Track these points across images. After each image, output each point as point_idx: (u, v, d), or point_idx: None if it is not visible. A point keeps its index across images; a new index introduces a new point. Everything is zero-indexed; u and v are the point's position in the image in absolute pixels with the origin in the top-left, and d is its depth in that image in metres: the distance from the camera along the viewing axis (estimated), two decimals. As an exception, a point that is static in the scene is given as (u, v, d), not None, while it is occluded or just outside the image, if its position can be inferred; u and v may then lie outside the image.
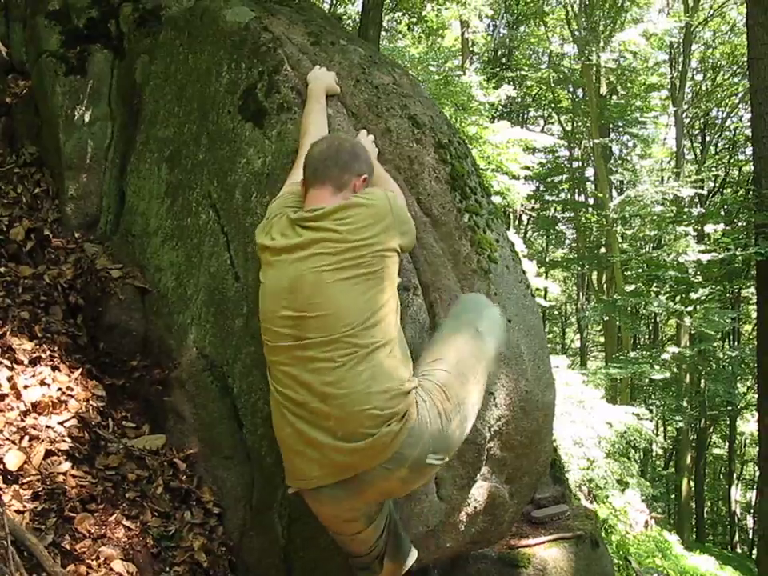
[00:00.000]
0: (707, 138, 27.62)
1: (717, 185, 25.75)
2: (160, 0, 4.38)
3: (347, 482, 2.48)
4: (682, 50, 25.05)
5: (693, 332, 21.01)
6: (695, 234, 20.80)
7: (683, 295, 18.97)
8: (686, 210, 21.77)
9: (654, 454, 27.94)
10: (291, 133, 3.25)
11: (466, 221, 3.37)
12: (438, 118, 3.64)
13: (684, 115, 25.66)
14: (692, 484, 24.11)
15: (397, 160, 3.34)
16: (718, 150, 27.42)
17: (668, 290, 19.71)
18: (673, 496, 26.21)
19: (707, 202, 23.73)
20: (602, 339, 29.61)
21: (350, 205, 2.61)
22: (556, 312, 31.25)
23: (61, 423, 3.24)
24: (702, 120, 27.44)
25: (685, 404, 21.56)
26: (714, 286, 18.86)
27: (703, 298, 18.52)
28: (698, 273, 19.69)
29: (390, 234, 2.60)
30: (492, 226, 3.51)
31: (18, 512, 2.80)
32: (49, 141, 4.42)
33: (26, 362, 3.40)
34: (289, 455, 2.60)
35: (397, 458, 2.44)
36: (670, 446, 27.02)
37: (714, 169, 24.64)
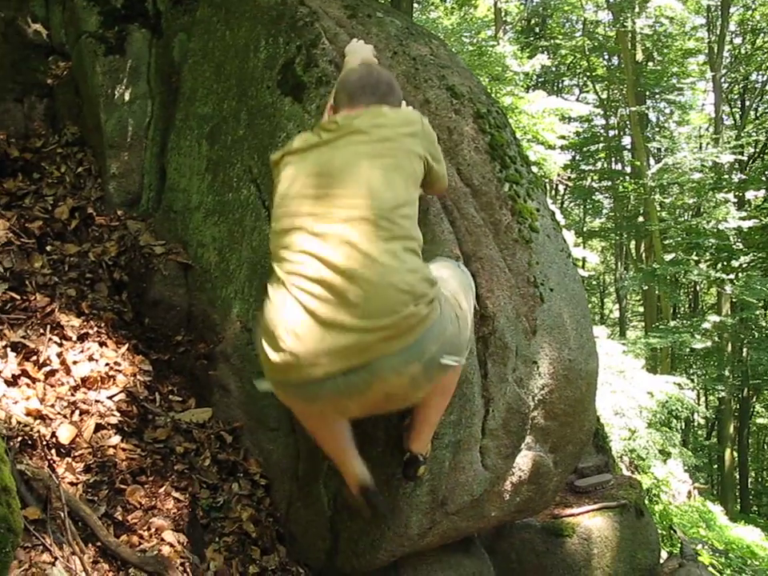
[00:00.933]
0: (747, 103, 27.06)
1: (757, 150, 25.21)
2: (196, -23, 4.39)
3: (356, 373, 2.27)
4: (720, 12, 24.54)
5: (734, 300, 20.72)
6: (735, 200, 20.48)
7: (724, 263, 18.72)
8: (725, 176, 21.42)
9: (695, 423, 27.71)
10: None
11: (507, 190, 3.37)
12: (476, 88, 3.62)
13: (722, 80, 25.18)
14: (735, 454, 23.89)
15: (436, 130, 3.32)
16: (758, 114, 26.85)
17: (708, 257, 19.45)
18: (716, 466, 25.94)
19: (747, 168, 23.31)
20: (641, 309, 29.36)
21: (380, 111, 2.62)
22: (594, 282, 30.99)
23: (110, 398, 3.31)
24: (741, 84, 26.89)
25: (727, 373, 21.29)
26: (755, 253, 18.60)
27: (744, 265, 18.27)
28: (739, 240, 19.42)
29: (417, 140, 2.58)
30: (532, 194, 3.49)
31: (71, 484, 2.87)
32: (90, 120, 4.46)
33: (74, 338, 3.46)
34: (283, 342, 2.32)
35: (416, 348, 2.30)
36: (713, 416, 26.71)
37: (754, 134, 24.09)
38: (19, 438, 2.82)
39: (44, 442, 2.90)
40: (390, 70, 3.44)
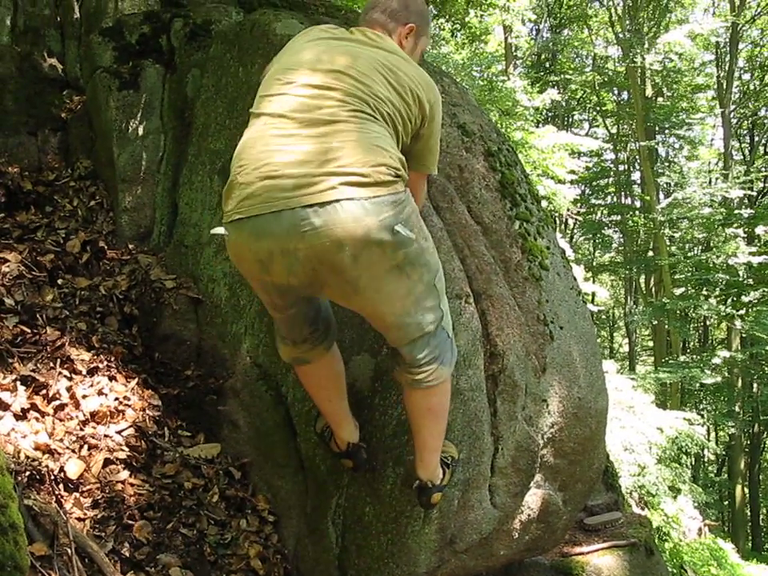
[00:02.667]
0: (756, 138, 27.19)
1: (766, 185, 25.28)
2: (210, 14, 4.45)
3: (314, 211, 2.20)
4: (728, 49, 24.70)
5: (744, 335, 20.65)
6: (745, 235, 20.47)
7: (734, 298, 18.69)
8: (735, 211, 21.43)
9: (706, 459, 27.51)
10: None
11: (517, 228, 3.38)
12: (486, 126, 3.65)
13: (731, 115, 25.32)
14: (746, 490, 23.69)
15: (447, 169, 3.35)
16: (766, 149, 26.96)
17: (718, 293, 19.43)
18: (726, 503, 25.72)
19: (757, 203, 23.33)
20: (650, 343, 29.29)
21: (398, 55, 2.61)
22: (604, 316, 30.94)
23: (119, 432, 3.30)
24: (750, 120, 27.02)
25: (737, 409, 21.20)
26: (765, 289, 18.55)
27: (755, 300, 18.22)
28: (749, 275, 19.38)
29: (421, 105, 2.54)
30: (542, 232, 3.51)
31: (79, 519, 2.85)
32: (103, 154, 4.50)
33: (84, 372, 3.47)
34: (254, 175, 2.28)
35: (378, 202, 2.24)
36: (723, 452, 26.54)
37: (763, 169, 24.19)
38: (27, 473, 2.81)
39: (52, 477, 2.89)
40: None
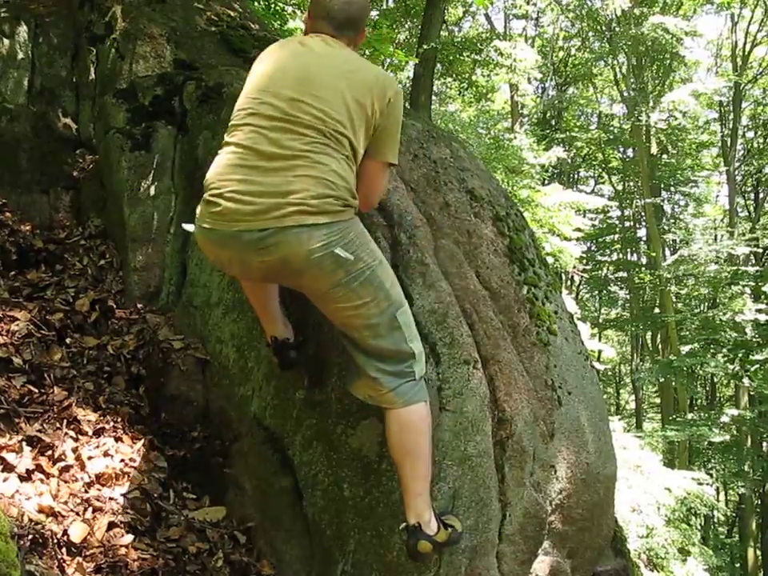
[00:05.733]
0: (761, 195, 27.33)
1: (772, 243, 25.33)
2: (222, 77, 4.51)
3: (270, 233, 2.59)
4: (732, 108, 25.00)
5: (752, 393, 20.52)
6: (751, 292, 20.47)
7: (742, 358, 18.61)
8: (741, 268, 21.47)
9: (716, 520, 27.06)
10: (351, 208, 3.31)
11: (525, 293, 3.39)
12: (495, 191, 3.68)
13: (736, 173, 25.50)
14: (758, 553, 23.26)
15: (455, 234, 3.37)
16: (772, 207, 27.08)
17: (726, 352, 19.36)
18: (738, 565, 25.24)
19: (763, 260, 23.37)
20: (657, 400, 29.09)
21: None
22: (610, 372, 30.80)
23: (123, 495, 3.28)
24: (754, 177, 27.21)
25: (747, 468, 20.94)
26: (774, 347, 18.47)
27: (763, 359, 18.13)
28: (756, 333, 19.32)
29: (380, 101, 2.80)
30: (550, 297, 3.52)
31: (81, 585, 2.82)
32: (114, 213, 4.54)
33: (90, 432, 3.46)
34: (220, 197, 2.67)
35: (322, 229, 2.59)
36: (733, 513, 26.15)
37: (768, 227, 24.27)
38: (30, 536, 2.78)
39: (55, 541, 2.86)
40: (410, 173, 3.51)
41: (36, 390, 3.48)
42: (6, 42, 5.19)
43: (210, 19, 5.44)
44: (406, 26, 18.12)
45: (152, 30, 5.04)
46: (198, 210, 2.79)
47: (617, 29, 23.43)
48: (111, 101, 4.72)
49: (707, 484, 13.86)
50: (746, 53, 24.50)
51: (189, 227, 2.93)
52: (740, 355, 18.45)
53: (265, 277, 2.87)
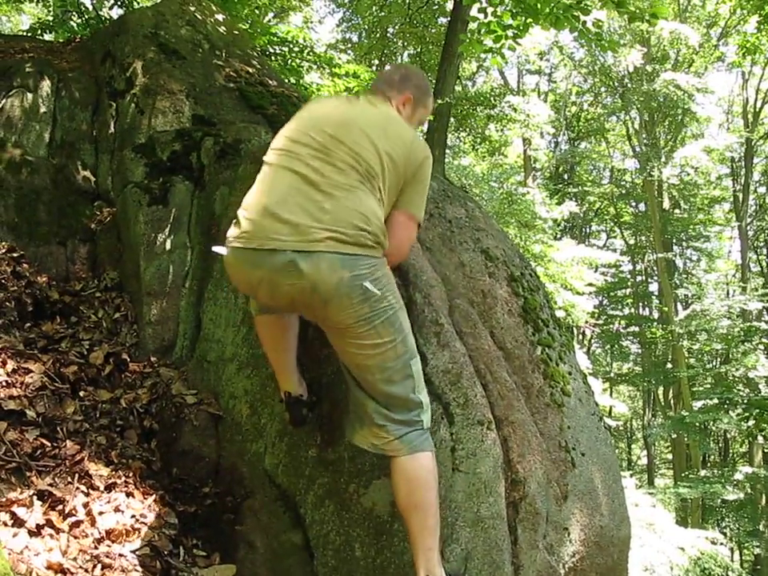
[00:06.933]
0: (773, 251, 27.31)
1: (785, 298, 25.23)
2: (240, 134, 4.58)
3: (301, 257, 2.63)
4: (743, 163, 25.11)
5: (767, 450, 20.28)
6: (765, 348, 20.35)
7: (756, 418, 18.40)
8: (754, 324, 21.37)
9: (730, 581, 26.52)
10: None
11: (539, 353, 3.39)
12: (509, 251, 3.70)
13: (748, 228, 25.52)
14: (773, 615, 22.79)
15: (470, 294, 3.39)
16: (784, 262, 27.05)
17: (740, 411, 19.15)
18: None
19: (776, 317, 23.27)
20: (669, 456, 28.77)
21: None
22: (621, 428, 30.51)
23: (133, 552, 3.24)
24: (767, 233, 27.21)
25: (762, 528, 20.60)
26: (788, 405, 18.26)
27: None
28: (770, 390, 19.17)
29: (410, 160, 2.90)
30: (564, 358, 3.51)
31: (88, 645, 2.79)
32: (130, 267, 4.58)
33: (101, 487, 3.44)
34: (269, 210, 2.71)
35: (352, 260, 2.64)
36: (748, 574, 25.62)
37: (781, 282, 24.20)
38: (39, 594, 2.77)
39: (64, 598, 2.85)
40: (425, 232, 3.54)
41: (48, 444, 3.48)
42: (30, 96, 5.30)
43: (228, 76, 5.54)
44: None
45: (171, 85, 5.14)
46: (231, 230, 2.81)
47: (629, 85, 23.70)
48: (130, 155, 4.80)
49: (721, 544, 13.62)
50: (757, 109, 24.69)
51: (220, 250, 2.94)
52: (754, 414, 18.23)
53: (291, 302, 2.79)
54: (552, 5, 7.42)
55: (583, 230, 29.64)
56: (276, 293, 2.75)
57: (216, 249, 3.02)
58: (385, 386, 2.77)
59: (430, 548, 2.79)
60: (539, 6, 7.44)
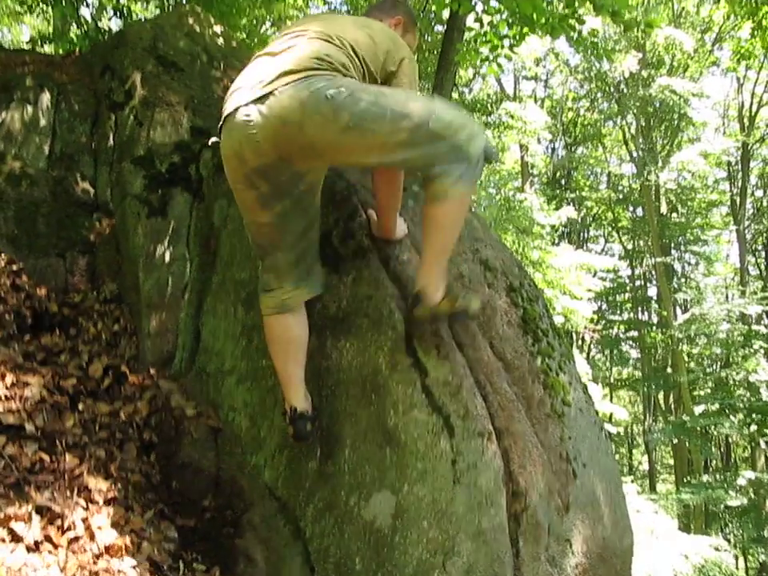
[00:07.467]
0: (771, 253, 27.34)
1: (785, 302, 25.22)
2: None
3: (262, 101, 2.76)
4: (740, 167, 25.17)
5: (769, 455, 20.27)
6: (765, 352, 20.35)
7: (758, 423, 18.39)
8: (753, 327, 21.37)
9: (735, 588, 26.40)
10: (365, 278, 3.32)
11: (539, 364, 3.38)
12: (508, 261, 3.69)
13: (746, 231, 25.56)
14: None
15: (470, 305, 3.38)
16: (783, 265, 27.08)
17: (742, 417, 19.13)
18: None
19: (776, 320, 23.28)
20: (671, 461, 28.73)
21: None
22: (622, 433, 30.47)
23: (133, 567, 3.22)
24: (764, 236, 27.26)
25: (767, 534, 20.52)
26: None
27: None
28: (771, 393, 19.15)
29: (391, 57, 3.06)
30: (564, 368, 3.50)
31: None
32: (129, 279, 4.57)
33: (100, 502, 3.42)
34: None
35: (305, 81, 2.71)
36: (754, 581, 25.52)
37: (780, 285, 24.19)
38: (38, 611, 2.75)
39: (62, 615, 2.83)
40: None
41: (47, 458, 3.46)
42: (30, 108, 5.31)
43: (226, 87, 5.53)
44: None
45: (170, 97, 5.13)
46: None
47: (625, 90, 23.73)
48: (129, 167, 4.79)
49: (725, 551, 13.58)
50: (753, 113, 24.73)
51: (214, 139, 3.07)
52: (756, 419, 18.23)
53: (278, 153, 2.81)
54: (547, 15, 7.43)
55: (581, 235, 29.65)
56: (258, 147, 2.80)
57: (212, 140, 3.14)
58: (416, 152, 2.81)
59: (434, 263, 3.01)
60: (535, 16, 7.45)
